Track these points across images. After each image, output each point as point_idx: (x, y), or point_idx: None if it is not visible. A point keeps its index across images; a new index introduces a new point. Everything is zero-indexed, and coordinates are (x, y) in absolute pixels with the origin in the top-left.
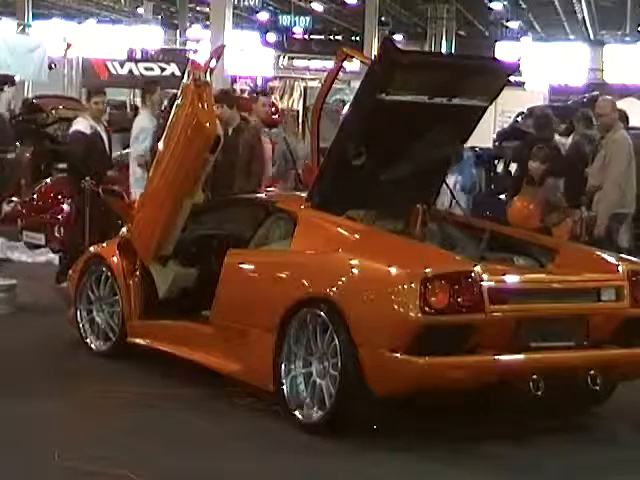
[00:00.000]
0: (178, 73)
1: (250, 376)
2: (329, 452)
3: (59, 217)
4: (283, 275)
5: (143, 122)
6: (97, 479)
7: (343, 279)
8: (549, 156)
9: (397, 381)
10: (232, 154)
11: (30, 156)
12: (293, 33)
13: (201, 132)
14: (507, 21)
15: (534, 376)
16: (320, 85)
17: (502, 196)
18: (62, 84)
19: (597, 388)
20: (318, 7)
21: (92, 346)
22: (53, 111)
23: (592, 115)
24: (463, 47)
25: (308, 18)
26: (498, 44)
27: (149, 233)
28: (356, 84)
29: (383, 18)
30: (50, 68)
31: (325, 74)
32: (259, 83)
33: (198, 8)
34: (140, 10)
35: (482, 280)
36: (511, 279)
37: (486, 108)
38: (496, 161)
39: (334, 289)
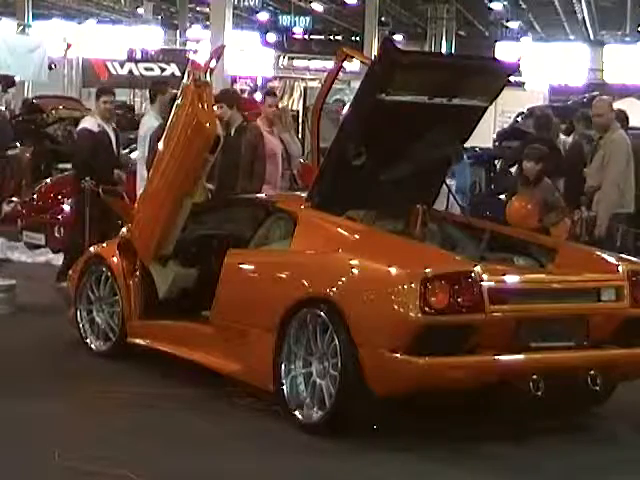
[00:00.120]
0: (178, 73)
1: (250, 376)
2: (329, 452)
3: (59, 217)
4: (283, 275)
5: (150, 122)
6: (97, 479)
7: (343, 279)
8: (543, 156)
9: (397, 381)
10: (234, 154)
11: (30, 156)
12: (293, 33)
13: (201, 132)
14: (507, 21)
15: (534, 376)
16: (320, 85)
17: (502, 196)
18: (62, 84)
19: (597, 388)
20: (318, 7)
21: (92, 346)
22: (53, 111)
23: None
24: (463, 47)
25: (308, 18)
26: (498, 44)
27: (149, 233)
28: (356, 84)
29: (383, 18)
30: (50, 68)
31: (325, 74)
32: (259, 83)
33: (198, 8)
34: (140, 10)
35: (482, 280)
36: (511, 279)
37: (486, 108)
38: (496, 161)
39: (334, 289)
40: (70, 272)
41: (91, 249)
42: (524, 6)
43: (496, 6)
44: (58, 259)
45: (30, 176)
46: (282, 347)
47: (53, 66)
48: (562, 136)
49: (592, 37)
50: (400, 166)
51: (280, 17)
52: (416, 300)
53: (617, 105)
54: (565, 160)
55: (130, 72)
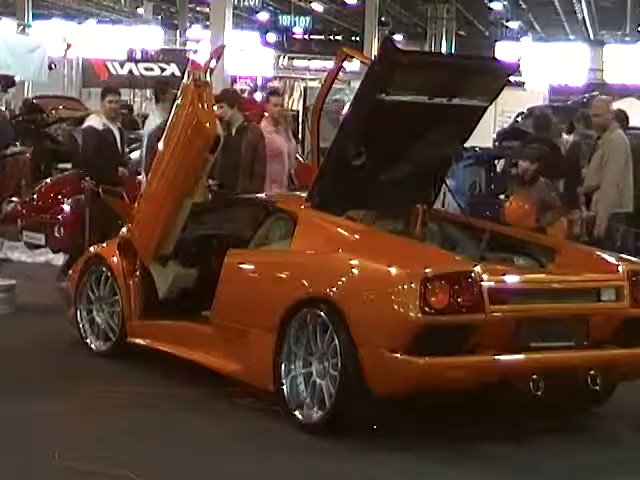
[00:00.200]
0: (178, 73)
1: (250, 376)
2: (329, 452)
3: (59, 217)
4: (283, 275)
5: (155, 122)
6: (97, 479)
7: (343, 279)
8: (539, 156)
9: (397, 381)
10: (235, 154)
11: (30, 156)
12: (293, 33)
13: (201, 132)
14: (507, 21)
15: (534, 376)
16: (320, 85)
17: (502, 196)
18: (62, 84)
19: (597, 388)
20: (318, 7)
21: (92, 346)
22: (53, 111)
23: None
24: (463, 47)
25: (308, 18)
26: (498, 44)
27: (149, 233)
28: (356, 84)
29: (383, 18)
30: (50, 68)
31: (325, 74)
32: (259, 83)
33: (198, 8)
34: (140, 10)
35: (482, 280)
36: (511, 279)
37: (486, 108)
38: (496, 161)
39: (334, 289)
40: (70, 272)
41: (91, 249)
42: (524, 6)
43: (496, 6)
44: (58, 259)
45: (30, 176)
46: (282, 347)
47: (53, 66)
48: (565, 136)
49: (592, 37)
50: (400, 166)
51: (280, 17)
52: (416, 300)
53: (617, 105)
54: (565, 160)
55: (130, 72)
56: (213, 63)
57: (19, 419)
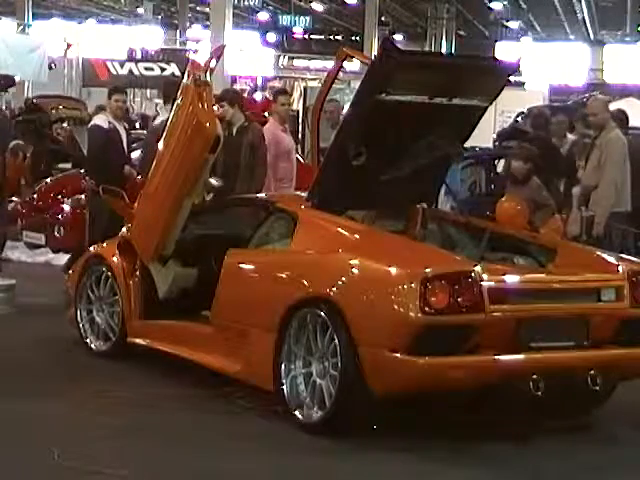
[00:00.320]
0: (178, 73)
1: (250, 376)
2: (329, 452)
3: (59, 217)
4: (283, 275)
5: None
6: (97, 479)
7: (343, 279)
8: (529, 156)
9: (397, 381)
10: (235, 154)
11: (30, 156)
12: (293, 33)
13: (201, 132)
14: (507, 21)
15: (534, 376)
16: (320, 85)
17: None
18: (62, 84)
19: (597, 388)
20: (318, 7)
21: (92, 346)
22: (53, 111)
23: None
24: (463, 47)
25: (308, 18)
26: (498, 44)
27: (149, 233)
28: (356, 84)
29: (383, 18)
30: (50, 68)
31: (325, 74)
32: (259, 83)
33: (198, 8)
34: (140, 10)
35: (482, 280)
36: (511, 279)
37: (486, 108)
38: (496, 161)
39: (334, 289)
40: (70, 271)
41: (91, 249)
42: (524, 6)
43: (496, 6)
44: (58, 259)
45: (30, 176)
46: (282, 347)
47: (53, 66)
48: (569, 135)
49: (592, 37)
50: (400, 166)
51: (280, 17)
52: (416, 300)
53: (617, 105)
54: (565, 160)
55: (130, 72)
56: (213, 63)
57: (19, 419)
